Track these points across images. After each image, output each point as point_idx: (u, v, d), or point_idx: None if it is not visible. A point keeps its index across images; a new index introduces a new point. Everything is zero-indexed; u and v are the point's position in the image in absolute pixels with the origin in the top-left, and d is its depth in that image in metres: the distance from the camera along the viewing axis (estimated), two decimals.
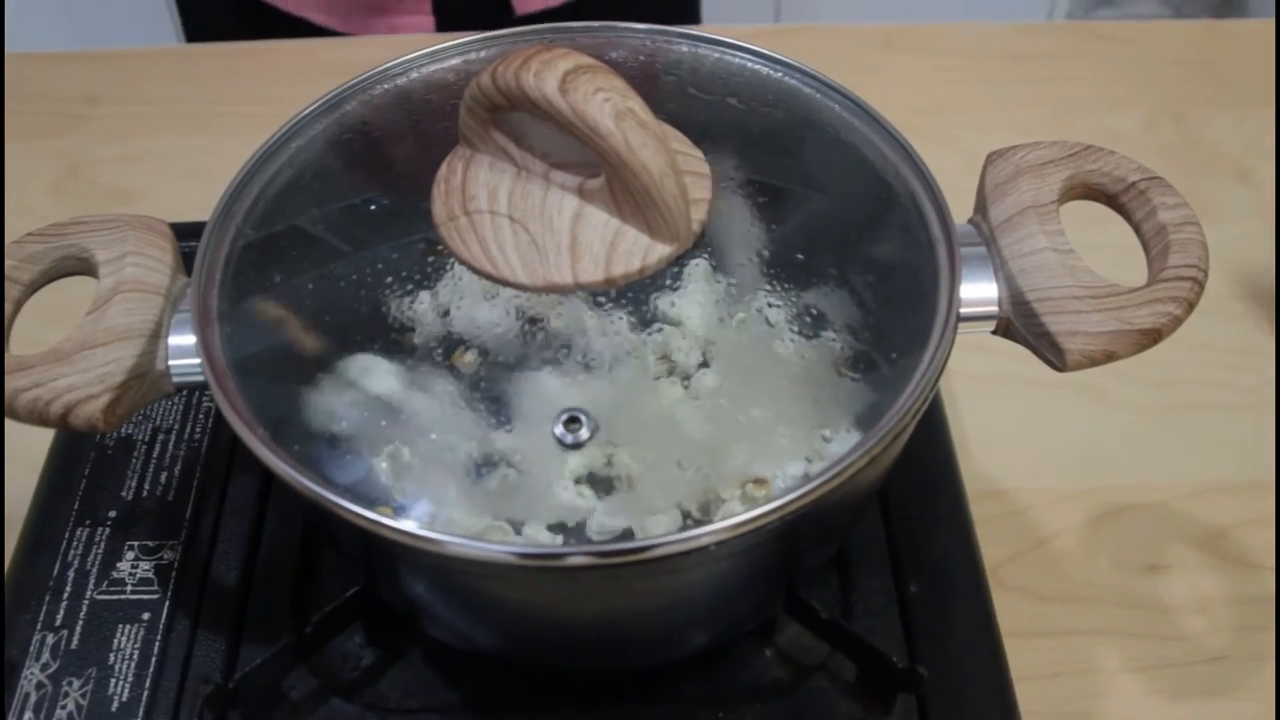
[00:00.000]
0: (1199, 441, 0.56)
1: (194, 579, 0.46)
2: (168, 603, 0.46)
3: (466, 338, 0.37)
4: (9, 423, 0.36)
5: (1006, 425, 0.57)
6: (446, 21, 0.86)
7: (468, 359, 0.36)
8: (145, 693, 0.43)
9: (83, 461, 0.51)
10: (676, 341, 0.36)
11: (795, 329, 0.37)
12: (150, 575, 0.47)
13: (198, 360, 0.36)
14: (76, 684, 0.44)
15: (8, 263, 0.38)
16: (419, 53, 0.45)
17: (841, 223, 0.41)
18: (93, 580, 0.47)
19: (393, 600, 0.43)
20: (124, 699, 0.43)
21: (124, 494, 0.49)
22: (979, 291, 0.38)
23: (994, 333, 0.39)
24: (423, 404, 0.36)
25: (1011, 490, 0.54)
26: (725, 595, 0.39)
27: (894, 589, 0.47)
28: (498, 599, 0.38)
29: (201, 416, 0.52)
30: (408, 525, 0.33)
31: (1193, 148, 0.72)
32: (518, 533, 0.34)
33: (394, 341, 0.37)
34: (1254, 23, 0.82)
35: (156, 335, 0.37)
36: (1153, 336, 0.36)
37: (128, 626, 0.45)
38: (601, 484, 0.35)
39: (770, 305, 0.37)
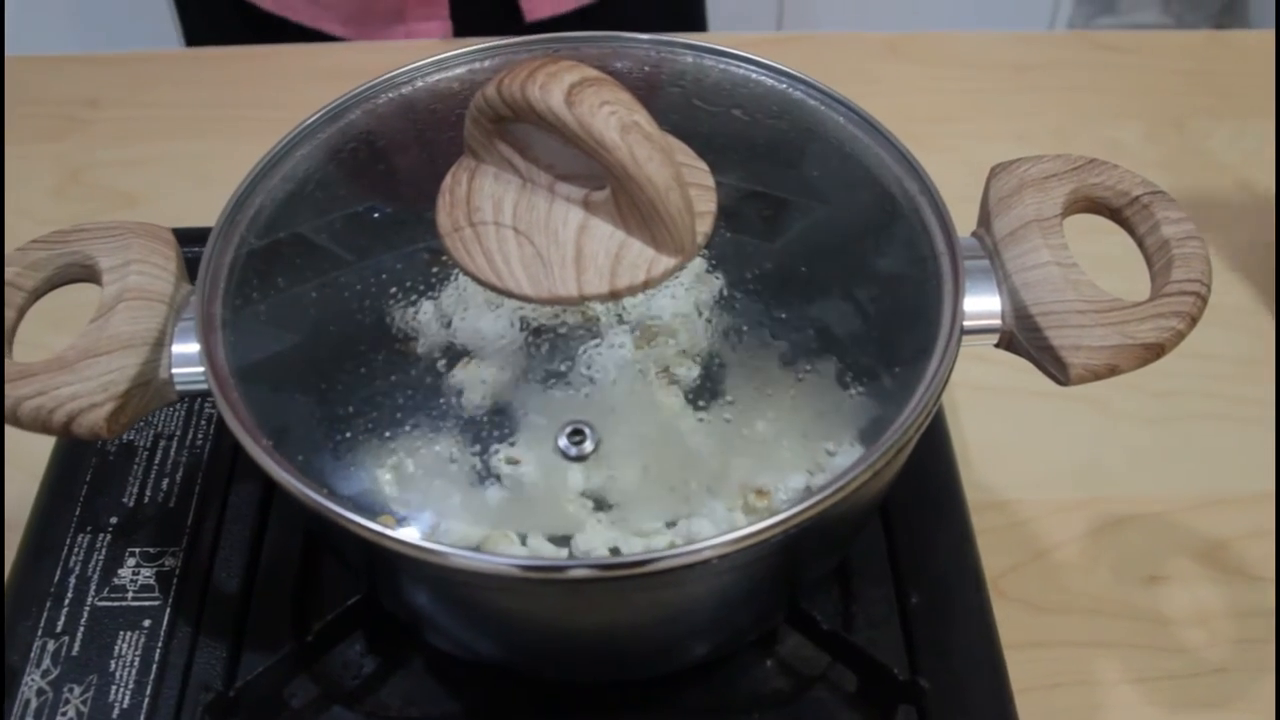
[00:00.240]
0: (1200, 453, 0.56)
1: (195, 586, 0.46)
2: (169, 610, 0.46)
3: (470, 349, 0.37)
4: (10, 429, 0.36)
5: (1007, 435, 0.57)
6: (463, 29, 0.86)
7: (471, 370, 0.36)
8: (146, 700, 0.43)
9: (84, 467, 0.51)
10: (680, 354, 0.36)
11: (799, 341, 0.37)
12: (151, 582, 0.47)
13: (201, 368, 0.36)
14: (77, 691, 0.44)
15: (11, 270, 0.38)
16: (424, 61, 0.45)
17: (845, 235, 0.41)
18: (94, 586, 0.47)
19: (394, 610, 0.43)
20: (125, 706, 0.43)
21: (125, 500, 0.49)
22: (982, 305, 0.38)
23: (997, 345, 0.39)
24: (426, 415, 0.36)
25: (1012, 501, 0.55)
26: (727, 607, 0.39)
27: (895, 600, 0.47)
28: (500, 610, 0.38)
29: (204, 423, 0.52)
30: (410, 536, 0.33)
31: (1194, 158, 0.72)
32: (521, 543, 0.34)
33: (397, 352, 0.37)
34: (1255, 33, 0.82)
35: (160, 343, 0.37)
36: (1155, 351, 0.36)
37: (129, 633, 0.45)
38: (605, 496, 0.35)
39: (774, 318, 0.37)
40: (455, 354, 0.37)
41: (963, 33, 0.82)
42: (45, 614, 0.46)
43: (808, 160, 0.43)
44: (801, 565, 0.41)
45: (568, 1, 0.86)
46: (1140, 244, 0.39)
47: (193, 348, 0.37)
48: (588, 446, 0.35)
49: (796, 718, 0.44)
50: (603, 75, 0.34)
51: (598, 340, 0.36)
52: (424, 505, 0.35)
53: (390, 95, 0.44)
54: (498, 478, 0.35)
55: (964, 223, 0.40)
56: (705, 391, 0.36)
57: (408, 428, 0.36)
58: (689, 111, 0.43)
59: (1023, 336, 0.38)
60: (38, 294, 0.39)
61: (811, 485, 0.35)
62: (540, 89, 0.33)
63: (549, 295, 0.35)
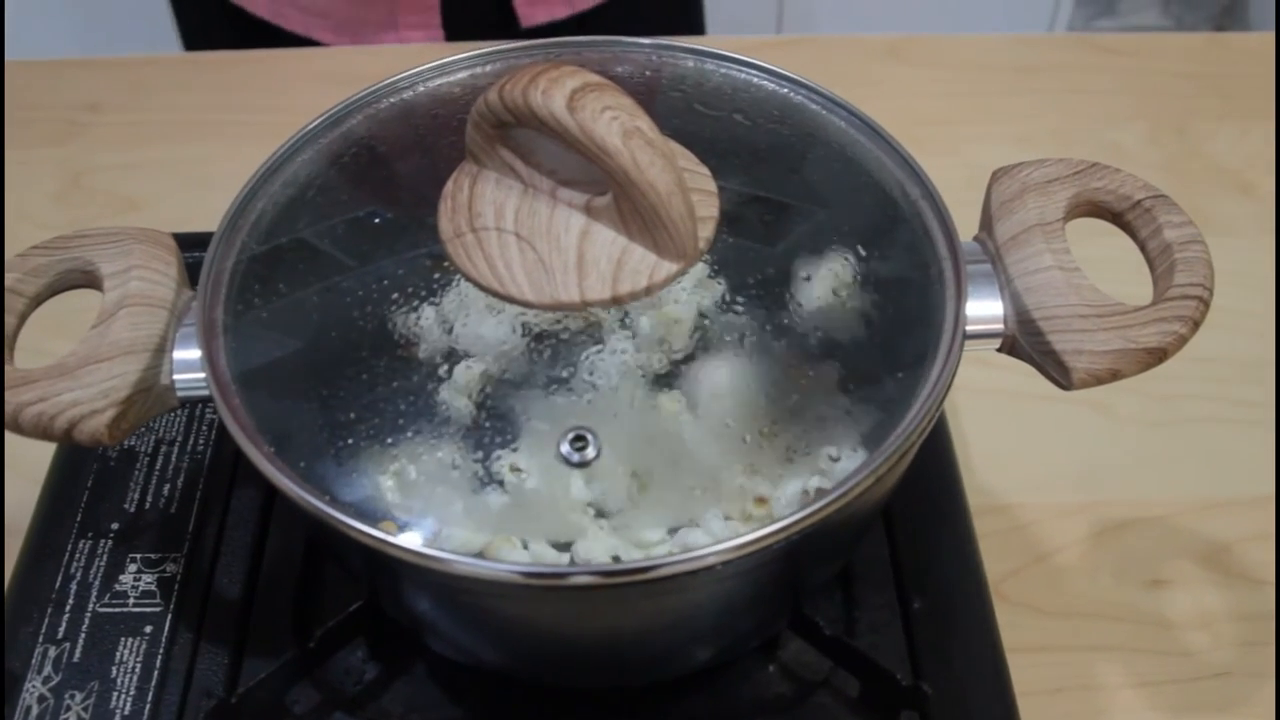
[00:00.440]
0: (1202, 456, 0.56)
1: (196, 592, 0.46)
2: (170, 616, 0.46)
3: (472, 355, 0.37)
4: (11, 435, 0.36)
5: (1009, 440, 0.57)
6: (456, 36, 0.86)
7: (473, 376, 0.36)
8: (147, 706, 0.43)
9: (85, 473, 0.51)
10: (682, 360, 0.36)
11: (801, 347, 0.37)
12: (153, 588, 0.47)
13: (202, 374, 0.36)
14: (79, 697, 0.44)
15: (12, 276, 0.38)
16: (425, 66, 0.45)
17: (847, 239, 0.41)
18: (95, 593, 0.46)
19: (396, 616, 0.43)
20: (126, 712, 0.43)
21: (126, 506, 0.49)
22: (984, 309, 0.38)
23: (999, 350, 0.39)
24: (427, 421, 0.36)
25: (1014, 505, 0.54)
26: (730, 613, 0.39)
27: (898, 605, 0.47)
28: (501, 617, 0.38)
29: (205, 428, 0.52)
30: (412, 543, 0.33)
31: (1195, 161, 0.72)
32: (524, 549, 0.34)
33: (399, 357, 0.37)
34: (1255, 35, 0.82)
35: (161, 349, 0.37)
36: (1158, 355, 0.36)
37: (130, 639, 0.45)
38: (607, 503, 0.35)
39: (776, 323, 0.37)
40: (457, 360, 0.37)
41: (963, 35, 0.82)
42: (46, 620, 0.46)
43: (809, 164, 0.42)
44: (804, 571, 0.41)
45: (562, 8, 0.86)
46: (1142, 248, 0.39)
47: (194, 353, 0.37)
48: (590, 452, 0.35)
49: None
50: (604, 80, 0.34)
51: (600, 346, 0.36)
52: (426, 511, 0.35)
53: (391, 100, 0.44)
54: (500, 484, 0.35)
55: (965, 227, 0.40)
56: (707, 397, 0.36)
57: (409, 434, 0.36)
58: (690, 116, 0.43)
59: (1025, 341, 0.38)
60: (39, 300, 0.39)
61: (815, 491, 0.34)
62: (542, 94, 0.33)
63: (551, 301, 0.35)
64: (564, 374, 0.36)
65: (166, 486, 0.50)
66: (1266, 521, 0.53)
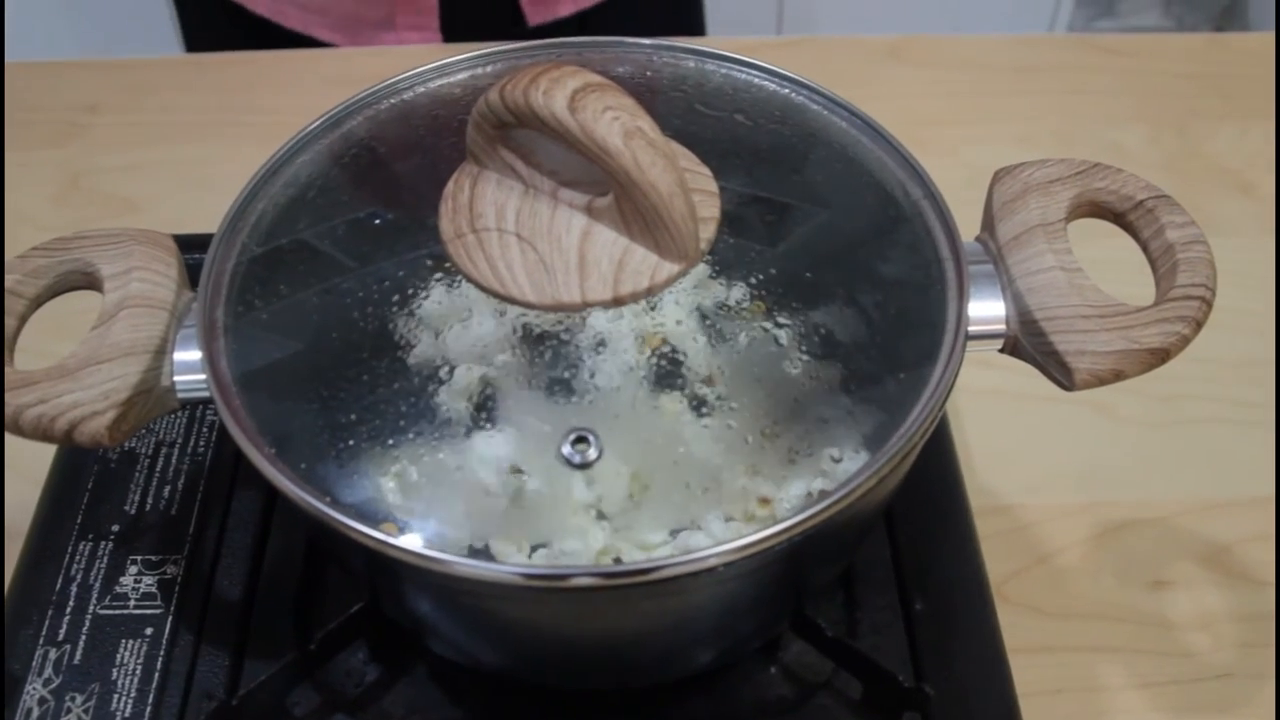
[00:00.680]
0: (1203, 457, 0.56)
1: (197, 594, 0.46)
2: (171, 618, 0.46)
3: (473, 356, 0.37)
4: (11, 436, 0.36)
5: (1010, 440, 0.57)
6: (453, 37, 0.86)
7: (474, 377, 0.36)
8: (148, 709, 0.43)
9: (85, 475, 0.50)
10: (684, 360, 0.36)
11: (803, 347, 0.37)
12: (153, 590, 0.46)
13: (203, 376, 0.36)
14: (79, 699, 0.43)
15: (11, 277, 0.38)
16: (425, 67, 0.45)
17: (849, 240, 0.41)
18: (95, 595, 0.46)
19: (397, 618, 0.43)
20: (127, 715, 0.43)
21: (127, 508, 0.49)
22: (987, 310, 0.38)
23: (1001, 351, 0.39)
24: (428, 422, 0.36)
25: (1016, 505, 0.54)
26: (731, 614, 0.39)
27: (899, 606, 0.46)
28: (502, 618, 0.38)
29: (205, 430, 0.52)
30: (413, 544, 0.33)
31: (1195, 161, 0.72)
32: (524, 551, 0.34)
33: (400, 359, 0.37)
34: (1255, 36, 0.82)
35: (162, 351, 0.37)
36: (1161, 356, 0.36)
37: (131, 641, 0.45)
38: (608, 504, 0.35)
39: (778, 324, 0.37)
40: (458, 361, 0.37)
41: (963, 36, 0.82)
42: (47, 622, 0.46)
43: (810, 165, 0.42)
44: (806, 572, 0.41)
45: (568, 5, 0.87)
46: (1145, 248, 0.39)
47: (194, 355, 0.37)
48: (591, 454, 0.35)
49: None
50: (605, 81, 0.34)
51: (601, 347, 0.36)
52: (427, 513, 0.35)
53: (392, 101, 0.44)
54: (501, 485, 0.35)
55: (967, 227, 0.40)
56: (709, 398, 0.36)
57: (410, 435, 0.36)
58: (691, 116, 0.43)
59: (1027, 341, 0.38)
60: (39, 301, 0.39)
61: (817, 492, 0.34)
62: (543, 95, 0.33)
63: (552, 302, 0.35)
64: (565, 375, 0.36)
65: (167, 488, 0.50)
66: (1267, 522, 0.53)
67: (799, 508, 0.32)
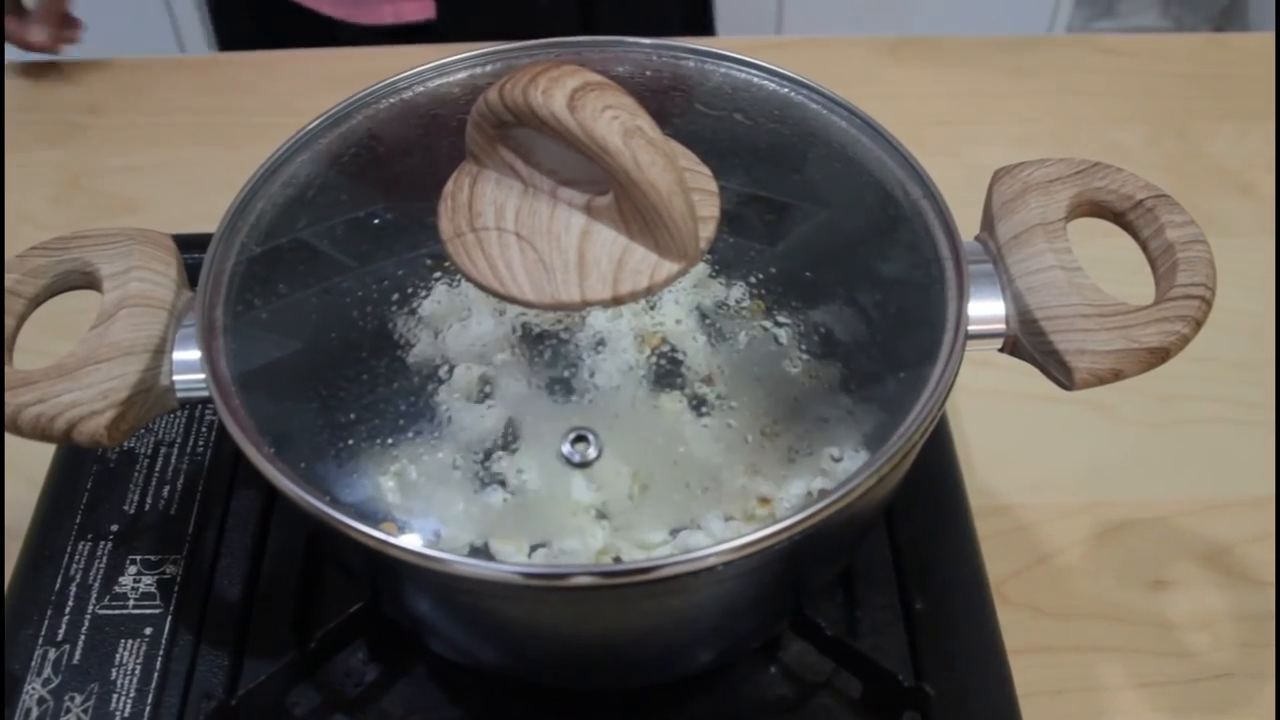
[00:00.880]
0: (1203, 457, 0.56)
1: (196, 594, 0.46)
2: (170, 618, 0.46)
3: (472, 355, 0.37)
4: (10, 436, 0.36)
5: (1010, 440, 0.57)
6: (443, 12, 0.87)
7: (473, 376, 0.36)
8: (148, 709, 0.43)
9: (85, 475, 0.50)
10: (684, 360, 0.36)
11: (803, 347, 0.37)
12: (153, 590, 0.46)
13: (202, 375, 0.36)
14: (79, 699, 0.43)
15: (11, 277, 0.38)
16: (425, 66, 0.45)
17: (848, 239, 0.41)
18: (95, 595, 0.46)
19: (396, 617, 0.43)
20: (126, 714, 0.43)
21: (126, 508, 0.49)
22: (986, 309, 0.38)
23: (1001, 350, 0.39)
24: (428, 422, 0.36)
25: (1015, 505, 0.54)
26: (731, 614, 0.38)
27: (899, 606, 0.46)
28: (502, 618, 0.38)
29: (204, 430, 0.52)
30: (412, 544, 0.33)
31: (1195, 161, 0.72)
32: (524, 550, 0.34)
33: (399, 358, 0.37)
34: (1255, 36, 0.82)
35: (161, 350, 0.37)
36: (1160, 355, 0.36)
37: (130, 641, 0.45)
38: (608, 503, 0.35)
39: (777, 323, 0.37)
40: (457, 360, 0.37)
41: (963, 36, 0.82)
42: (46, 622, 0.46)
43: (810, 164, 0.42)
44: (806, 572, 0.41)
45: None
46: (1144, 248, 0.39)
47: (194, 354, 0.37)
48: (591, 453, 0.35)
49: None
50: (605, 80, 0.34)
51: (601, 346, 0.36)
52: (426, 512, 0.35)
53: (391, 100, 0.44)
54: (500, 484, 0.35)
55: (966, 227, 0.40)
56: (709, 397, 0.36)
57: (409, 434, 0.36)
58: (691, 116, 0.43)
59: (1027, 341, 0.38)
60: (38, 301, 0.39)
61: (816, 491, 0.34)
62: (543, 94, 0.33)
63: (552, 301, 0.35)
64: (565, 374, 0.36)
65: (166, 488, 0.50)
66: (1267, 522, 0.53)
67: (799, 507, 0.32)
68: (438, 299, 0.38)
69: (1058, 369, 0.37)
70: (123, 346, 0.36)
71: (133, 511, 0.49)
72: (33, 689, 0.44)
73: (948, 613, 0.46)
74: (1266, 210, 0.69)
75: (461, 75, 0.45)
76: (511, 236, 0.36)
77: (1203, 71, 0.79)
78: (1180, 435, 0.57)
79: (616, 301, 0.35)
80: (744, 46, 0.45)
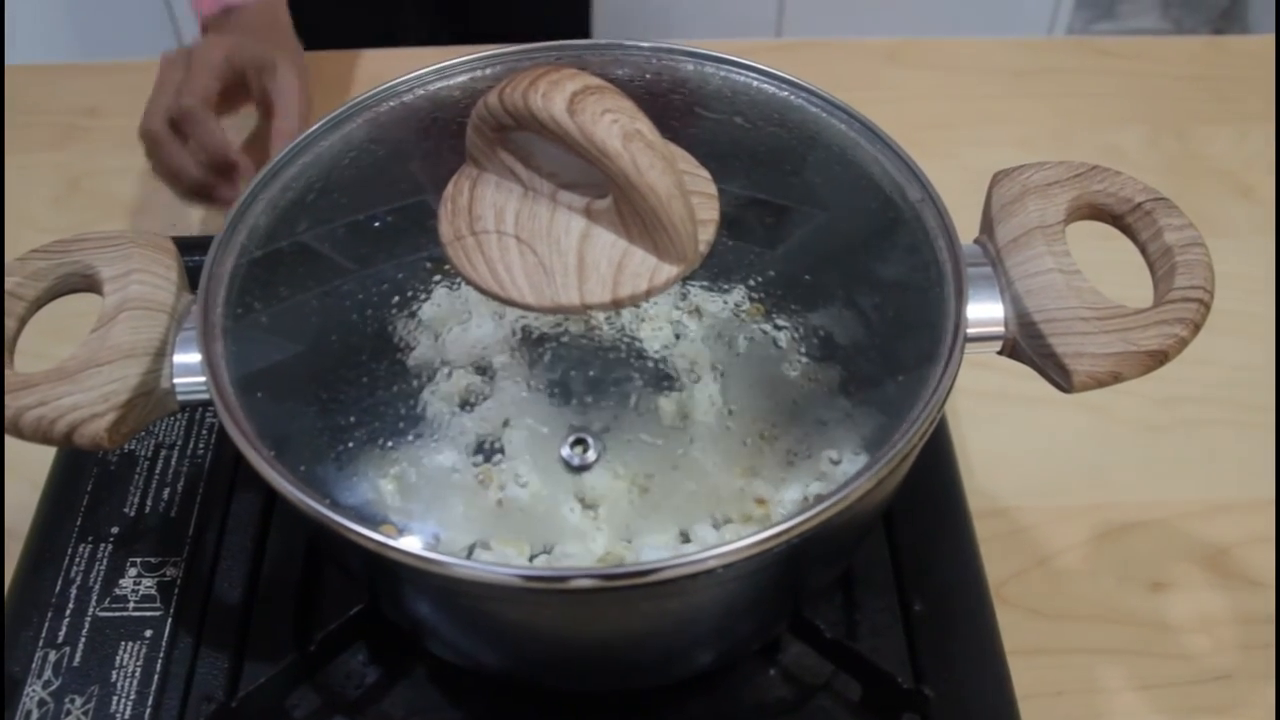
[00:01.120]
0: (1202, 459, 0.56)
1: (196, 596, 0.46)
2: (170, 620, 0.46)
3: (472, 358, 0.37)
4: (11, 439, 0.36)
5: (1009, 442, 0.57)
6: None
7: (473, 379, 0.36)
8: (147, 711, 0.43)
9: (85, 477, 0.50)
10: (683, 363, 0.36)
11: (802, 350, 0.37)
12: (153, 592, 0.46)
13: (202, 378, 0.36)
14: (79, 701, 0.43)
15: (11, 279, 0.38)
16: (425, 70, 0.45)
17: (847, 242, 0.41)
18: (95, 597, 0.46)
19: (396, 619, 0.43)
20: (126, 717, 0.43)
21: (126, 510, 0.49)
22: (985, 312, 0.38)
23: (999, 353, 0.39)
24: (427, 425, 0.36)
25: (1014, 508, 0.54)
26: (730, 616, 0.39)
27: (898, 608, 0.47)
28: (502, 620, 0.38)
29: (205, 432, 0.52)
30: (412, 546, 0.33)
31: (1194, 164, 0.72)
32: (524, 553, 0.34)
33: (399, 361, 0.37)
34: (1255, 39, 0.82)
35: (161, 353, 0.37)
36: (1159, 358, 0.36)
37: (130, 644, 0.45)
38: (608, 506, 0.35)
39: (776, 326, 0.37)
40: (457, 363, 0.37)
41: (962, 39, 0.82)
42: (46, 624, 0.46)
43: (809, 167, 0.42)
44: (805, 574, 0.41)
45: None
46: (1143, 251, 0.39)
47: (194, 357, 0.37)
48: (590, 456, 0.35)
49: None
50: (604, 83, 0.34)
51: (600, 349, 0.36)
52: (426, 515, 0.35)
53: (391, 104, 0.44)
54: (500, 487, 0.35)
55: (965, 229, 0.40)
56: (708, 400, 0.36)
57: (409, 438, 0.36)
58: (690, 119, 0.43)
59: (1026, 343, 0.38)
60: (39, 304, 0.39)
61: (815, 494, 0.34)
62: (542, 97, 0.33)
63: (551, 304, 0.35)
64: (565, 378, 0.36)
65: (166, 490, 0.50)
66: (1266, 524, 0.53)
67: (797, 510, 0.32)
68: (438, 302, 0.38)
69: (1056, 371, 0.37)
70: (123, 349, 0.36)
71: (133, 514, 0.49)
72: (33, 691, 0.44)
73: (947, 615, 0.46)
74: (1266, 212, 0.69)
75: (462, 78, 0.45)
76: (511, 240, 0.36)
77: (1202, 74, 0.79)
78: (1179, 437, 0.57)
79: (616, 304, 0.35)
80: (743, 50, 0.45)
